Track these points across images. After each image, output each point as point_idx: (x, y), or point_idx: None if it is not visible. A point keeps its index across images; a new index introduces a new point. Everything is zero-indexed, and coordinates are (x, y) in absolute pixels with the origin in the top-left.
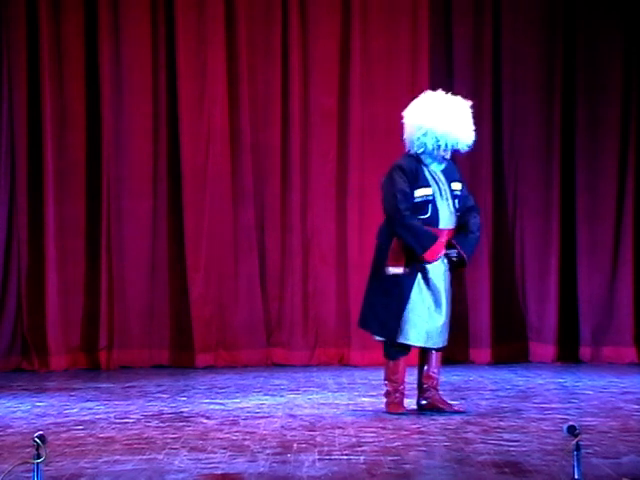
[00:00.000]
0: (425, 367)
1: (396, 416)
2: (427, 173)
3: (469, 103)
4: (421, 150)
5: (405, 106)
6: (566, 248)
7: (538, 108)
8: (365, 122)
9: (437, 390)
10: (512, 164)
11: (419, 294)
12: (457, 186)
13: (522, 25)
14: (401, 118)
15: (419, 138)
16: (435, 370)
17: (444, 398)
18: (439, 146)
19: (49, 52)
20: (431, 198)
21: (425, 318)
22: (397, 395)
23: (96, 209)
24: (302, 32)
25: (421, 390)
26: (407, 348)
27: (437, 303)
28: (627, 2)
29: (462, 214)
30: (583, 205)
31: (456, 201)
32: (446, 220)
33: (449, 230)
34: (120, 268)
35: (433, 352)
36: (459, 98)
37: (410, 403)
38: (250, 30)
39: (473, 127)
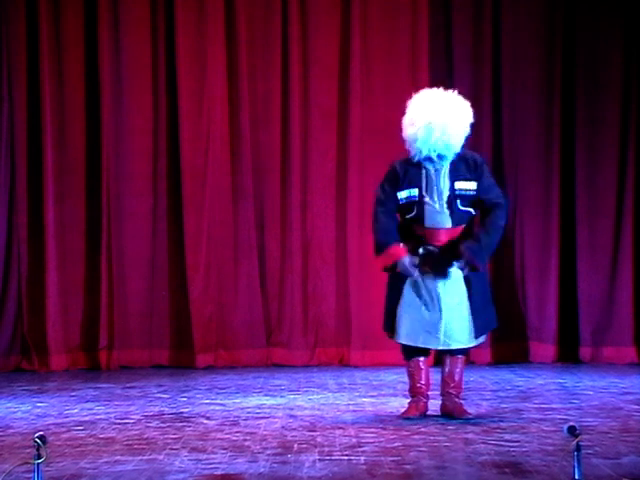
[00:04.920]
0: (442, 371)
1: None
2: (422, 172)
3: (455, 101)
4: (413, 154)
5: (405, 106)
6: (566, 248)
7: (538, 108)
8: (365, 121)
9: (450, 396)
10: (512, 164)
11: (410, 292)
12: (462, 185)
13: (522, 25)
14: (401, 117)
15: (409, 145)
16: (449, 375)
17: (459, 404)
18: (420, 151)
19: (49, 52)
20: (416, 198)
21: (414, 316)
22: (418, 398)
23: (96, 208)
24: (302, 31)
25: (442, 394)
26: (422, 349)
27: (430, 302)
28: (627, 1)
29: (483, 212)
30: (583, 205)
31: (458, 201)
32: (436, 219)
33: (442, 230)
34: (120, 268)
35: (447, 356)
36: (441, 97)
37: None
38: (250, 30)
39: (458, 125)
